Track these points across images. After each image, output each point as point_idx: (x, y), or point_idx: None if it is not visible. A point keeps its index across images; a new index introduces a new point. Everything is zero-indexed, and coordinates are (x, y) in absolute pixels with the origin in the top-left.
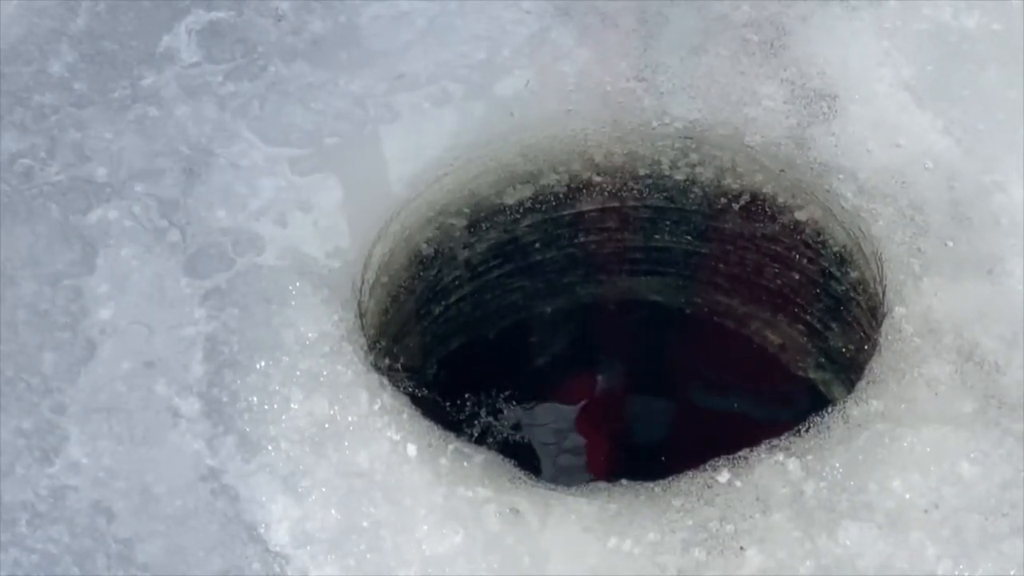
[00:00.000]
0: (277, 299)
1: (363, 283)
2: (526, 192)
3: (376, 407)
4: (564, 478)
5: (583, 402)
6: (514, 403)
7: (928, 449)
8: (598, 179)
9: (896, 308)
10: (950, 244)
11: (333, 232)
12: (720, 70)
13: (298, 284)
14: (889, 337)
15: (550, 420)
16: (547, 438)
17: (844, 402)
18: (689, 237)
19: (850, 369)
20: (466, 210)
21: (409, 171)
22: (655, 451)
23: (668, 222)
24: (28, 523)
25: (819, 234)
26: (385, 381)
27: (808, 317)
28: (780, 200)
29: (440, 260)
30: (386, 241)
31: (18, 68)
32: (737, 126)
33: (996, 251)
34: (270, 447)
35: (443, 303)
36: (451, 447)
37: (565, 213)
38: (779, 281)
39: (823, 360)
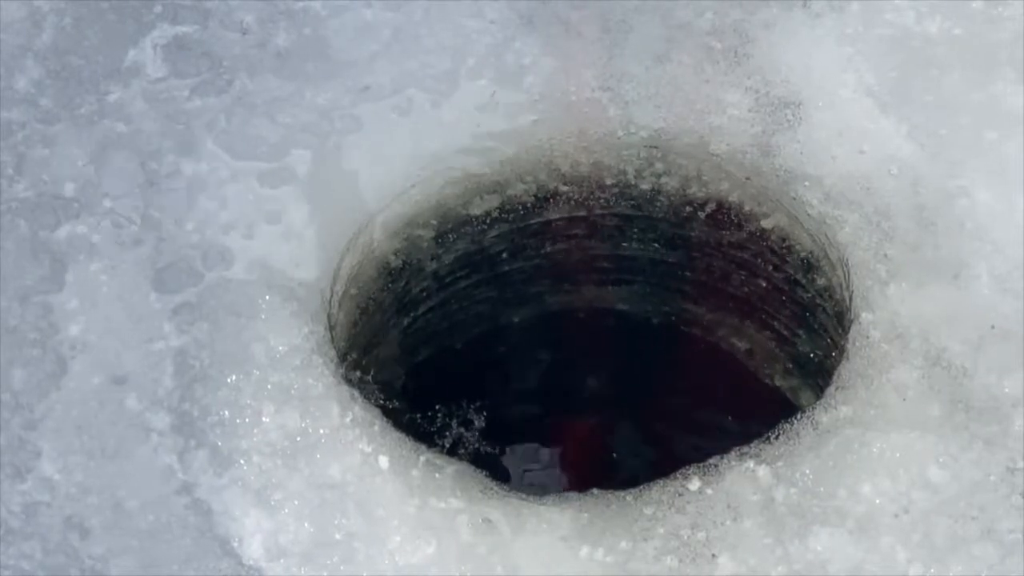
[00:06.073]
0: (247, 313)
1: (332, 295)
2: (493, 202)
3: (347, 419)
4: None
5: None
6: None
7: (897, 454)
8: (565, 189)
9: (863, 314)
10: (916, 249)
11: (301, 245)
12: (684, 79)
13: (267, 297)
14: (856, 343)
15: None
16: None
17: (813, 408)
18: (656, 245)
19: (818, 375)
20: (433, 221)
21: (376, 183)
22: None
23: (635, 230)
24: (1, 540)
25: (785, 241)
26: (356, 393)
27: (775, 324)
28: (746, 208)
29: (408, 271)
30: (354, 253)
31: None
32: (702, 135)
33: (962, 255)
34: (242, 461)
35: (412, 314)
36: (423, 458)
37: (532, 223)
38: (746, 289)
39: (791, 366)
